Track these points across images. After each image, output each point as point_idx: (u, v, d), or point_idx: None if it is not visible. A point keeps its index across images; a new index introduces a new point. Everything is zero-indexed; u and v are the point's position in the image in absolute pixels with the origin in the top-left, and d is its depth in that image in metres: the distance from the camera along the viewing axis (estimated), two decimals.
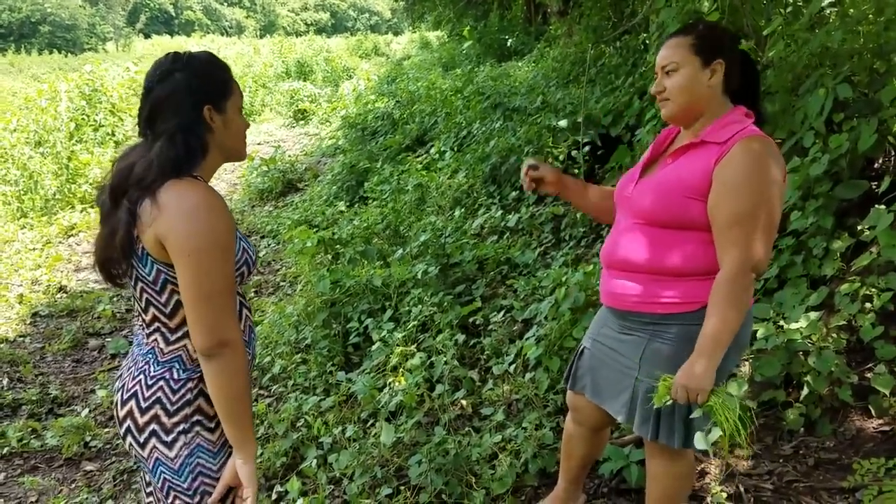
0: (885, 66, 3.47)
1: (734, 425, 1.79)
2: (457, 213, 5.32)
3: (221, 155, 1.70)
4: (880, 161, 3.71)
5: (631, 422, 2.06)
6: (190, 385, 1.63)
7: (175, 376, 1.62)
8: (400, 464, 2.98)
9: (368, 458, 2.98)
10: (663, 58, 1.96)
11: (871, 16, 3.61)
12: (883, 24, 3.47)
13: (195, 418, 1.63)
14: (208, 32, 67.25)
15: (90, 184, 8.49)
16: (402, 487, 2.83)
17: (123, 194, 1.57)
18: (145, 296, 1.62)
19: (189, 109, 1.59)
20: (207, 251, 1.51)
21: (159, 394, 1.62)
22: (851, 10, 3.72)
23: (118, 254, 1.58)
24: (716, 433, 1.81)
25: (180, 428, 1.62)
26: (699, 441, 1.86)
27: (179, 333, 1.62)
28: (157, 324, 1.64)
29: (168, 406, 1.62)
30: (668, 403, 1.88)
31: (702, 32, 1.95)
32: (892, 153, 3.58)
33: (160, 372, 1.63)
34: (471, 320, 3.93)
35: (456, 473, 2.81)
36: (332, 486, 2.99)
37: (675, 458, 2.10)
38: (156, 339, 1.65)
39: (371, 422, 3.33)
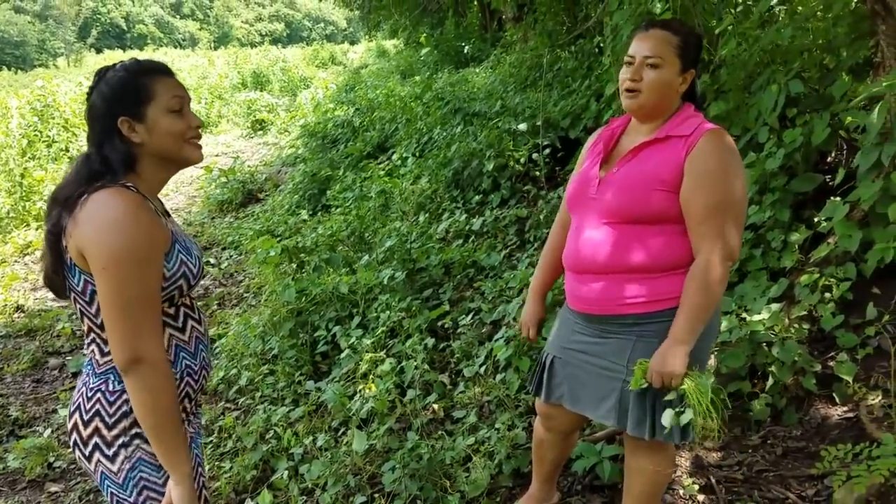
0: (835, 62, 3.57)
1: (705, 408, 1.82)
2: (421, 218, 5.32)
3: (160, 162, 1.63)
4: (833, 154, 3.80)
5: (623, 425, 2.04)
6: (125, 396, 1.58)
7: (111, 388, 1.59)
8: (373, 471, 2.96)
9: (341, 467, 2.95)
10: (649, 49, 1.94)
11: (819, 13, 3.71)
12: (831, 21, 3.57)
13: (134, 431, 1.59)
14: (161, 46, 66.33)
15: (45, 201, 8.29)
16: (376, 495, 2.81)
17: (51, 212, 1.57)
18: (78, 306, 1.60)
19: (103, 125, 1.56)
20: (122, 263, 1.47)
21: (97, 406, 1.59)
22: (800, 8, 3.82)
23: (50, 270, 1.58)
24: (688, 415, 1.84)
25: (120, 441, 1.59)
26: (666, 418, 1.89)
27: None
28: (92, 334, 1.61)
29: (106, 419, 1.58)
30: (644, 387, 1.91)
31: (687, 37, 1.96)
32: (844, 146, 3.67)
33: (97, 384, 1.60)
34: (439, 324, 3.92)
35: (430, 478, 2.80)
36: (305, 498, 2.96)
37: (659, 453, 2.11)
38: (93, 350, 1.62)
39: (342, 430, 3.30)
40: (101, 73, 1.59)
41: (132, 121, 1.56)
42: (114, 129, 1.56)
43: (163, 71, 1.62)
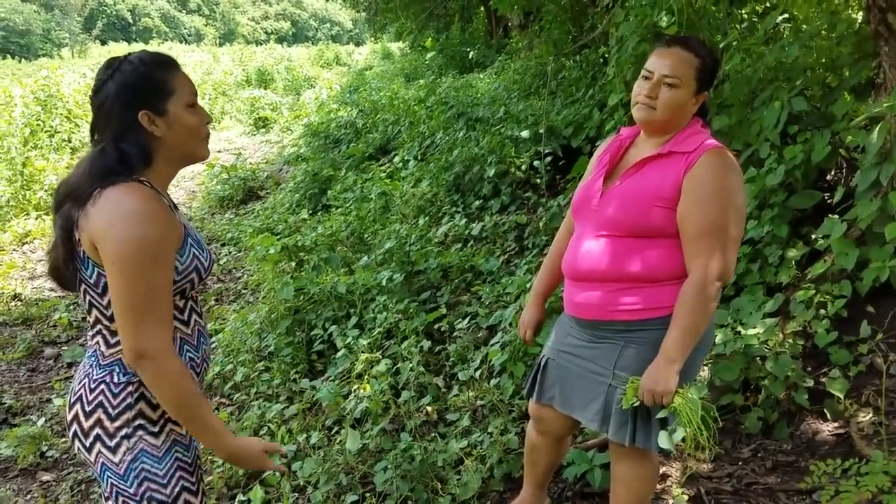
0: (837, 81, 3.60)
1: (696, 425, 1.84)
2: (421, 221, 5.33)
3: (175, 158, 1.65)
4: (832, 173, 3.83)
5: (605, 429, 2.07)
6: (130, 389, 1.60)
7: (115, 380, 1.60)
8: (365, 471, 2.97)
9: (333, 465, 2.96)
10: (669, 67, 1.95)
11: (823, 31, 3.74)
12: (835, 40, 3.60)
13: (137, 422, 1.61)
14: (166, 40, 66.34)
15: (45, 190, 8.30)
16: (367, 494, 2.83)
17: (61, 205, 1.57)
18: (88, 297, 1.61)
19: (122, 118, 1.54)
20: (132, 259, 1.47)
21: (101, 398, 1.60)
22: (805, 26, 3.85)
23: (61, 263, 1.58)
24: (680, 433, 1.87)
25: (123, 433, 1.60)
26: (663, 440, 1.91)
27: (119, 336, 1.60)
28: (99, 325, 1.62)
29: (110, 410, 1.59)
30: (636, 405, 1.92)
31: (706, 60, 1.98)
32: (844, 165, 3.69)
33: (102, 375, 1.61)
34: (436, 327, 3.94)
35: (422, 479, 2.81)
36: (297, 495, 2.97)
37: (642, 461, 2.13)
38: (98, 342, 1.63)
39: (336, 429, 3.31)
40: (115, 66, 1.57)
41: (153, 115, 1.56)
42: (134, 122, 1.55)
43: (176, 65, 1.63)
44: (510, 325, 3.52)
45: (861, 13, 3.78)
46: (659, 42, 2.05)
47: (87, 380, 1.63)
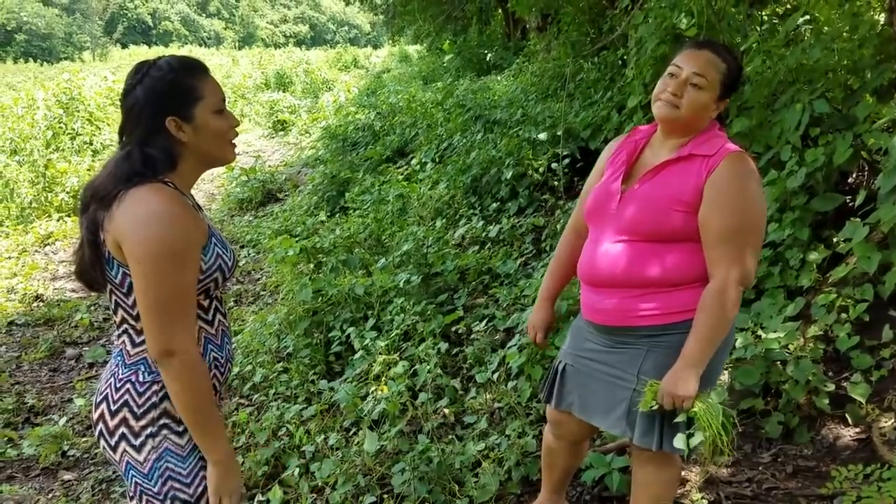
0: (859, 83, 3.56)
1: (716, 430, 1.83)
2: (438, 223, 5.34)
3: (200, 161, 1.66)
4: (854, 175, 3.79)
5: (630, 434, 2.06)
6: (155, 388, 1.61)
7: (140, 379, 1.61)
8: (383, 472, 2.97)
9: (351, 466, 2.97)
10: (697, 67, 1.94)
11: (845, 34, 3.70)
12: (857, 42, 3.56)
13: (162, 421, 1.62)
14: (186, 43, 67.07)
15: (67, 192, 8.42)
16: (385, 496, 2.83)
17: (87, 207, 1.59)
18: (114, 297, 1.62)
19: (148, 124, 1.56)
20: (157, 258, 1.49)
21: (126, 397, 1.61)
22: (826, 28, 3.82)
23: (88, 264, 1.60)
24: (698, 437, 1.86)
25: (148, 431, 1.61)
26: (679, 442, 1.90)
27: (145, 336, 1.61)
28: (125, 325, 1.64)
29: (135, 409, 1.61)
30: (655, 408, 1.91)
31: (731, 66, 1.97)
32: (866, 168, 3.66)
33: (127, 374, 1.62)
34: (453, 329, 3.94)
35: (439, 481, 2.82)
36: (315, 496, 2.98)
37: (665, 465, 2.12)
38: (124, 341, 1.65)
39: (354, 430, 3.32)
40: (144, 70, 1.58)
41: (180, 120, 1.58)
42: (161, 128, 1.57)
43: (205, 70, 1.64)
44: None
45: (883, 15, 3.74)
46: (688, 43, 2.05)
47: (112, 379, 1.64)
